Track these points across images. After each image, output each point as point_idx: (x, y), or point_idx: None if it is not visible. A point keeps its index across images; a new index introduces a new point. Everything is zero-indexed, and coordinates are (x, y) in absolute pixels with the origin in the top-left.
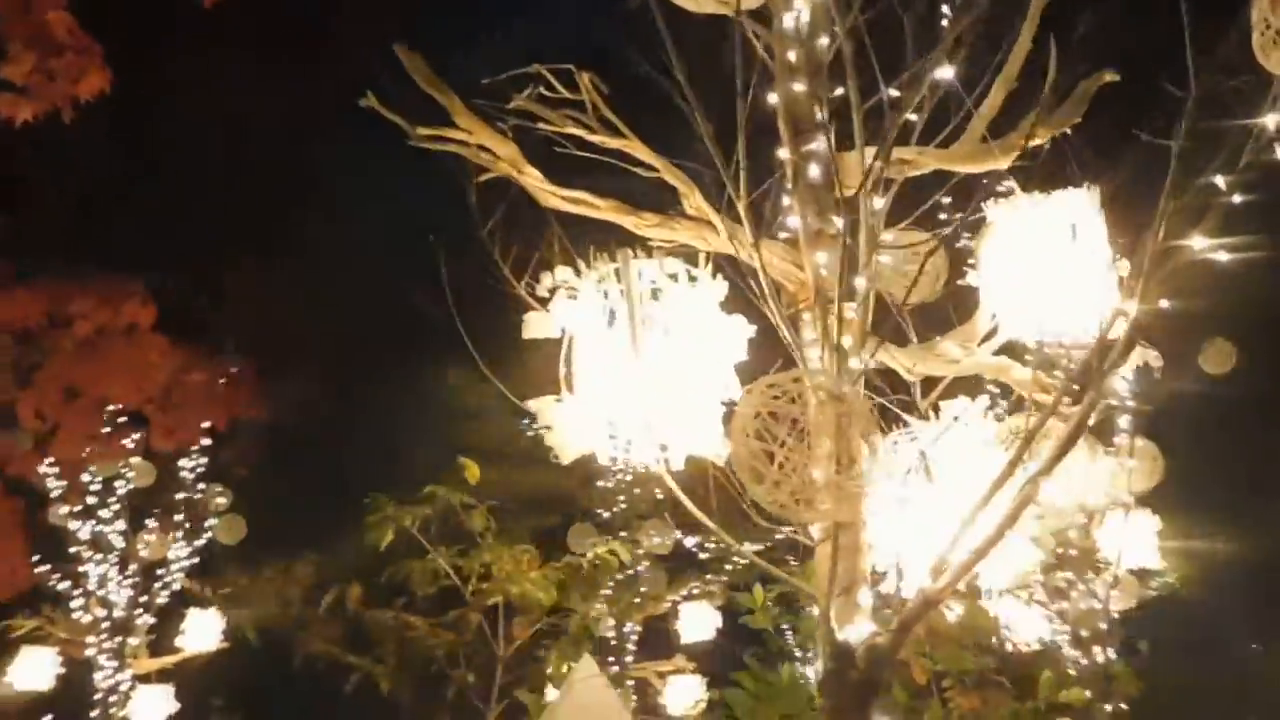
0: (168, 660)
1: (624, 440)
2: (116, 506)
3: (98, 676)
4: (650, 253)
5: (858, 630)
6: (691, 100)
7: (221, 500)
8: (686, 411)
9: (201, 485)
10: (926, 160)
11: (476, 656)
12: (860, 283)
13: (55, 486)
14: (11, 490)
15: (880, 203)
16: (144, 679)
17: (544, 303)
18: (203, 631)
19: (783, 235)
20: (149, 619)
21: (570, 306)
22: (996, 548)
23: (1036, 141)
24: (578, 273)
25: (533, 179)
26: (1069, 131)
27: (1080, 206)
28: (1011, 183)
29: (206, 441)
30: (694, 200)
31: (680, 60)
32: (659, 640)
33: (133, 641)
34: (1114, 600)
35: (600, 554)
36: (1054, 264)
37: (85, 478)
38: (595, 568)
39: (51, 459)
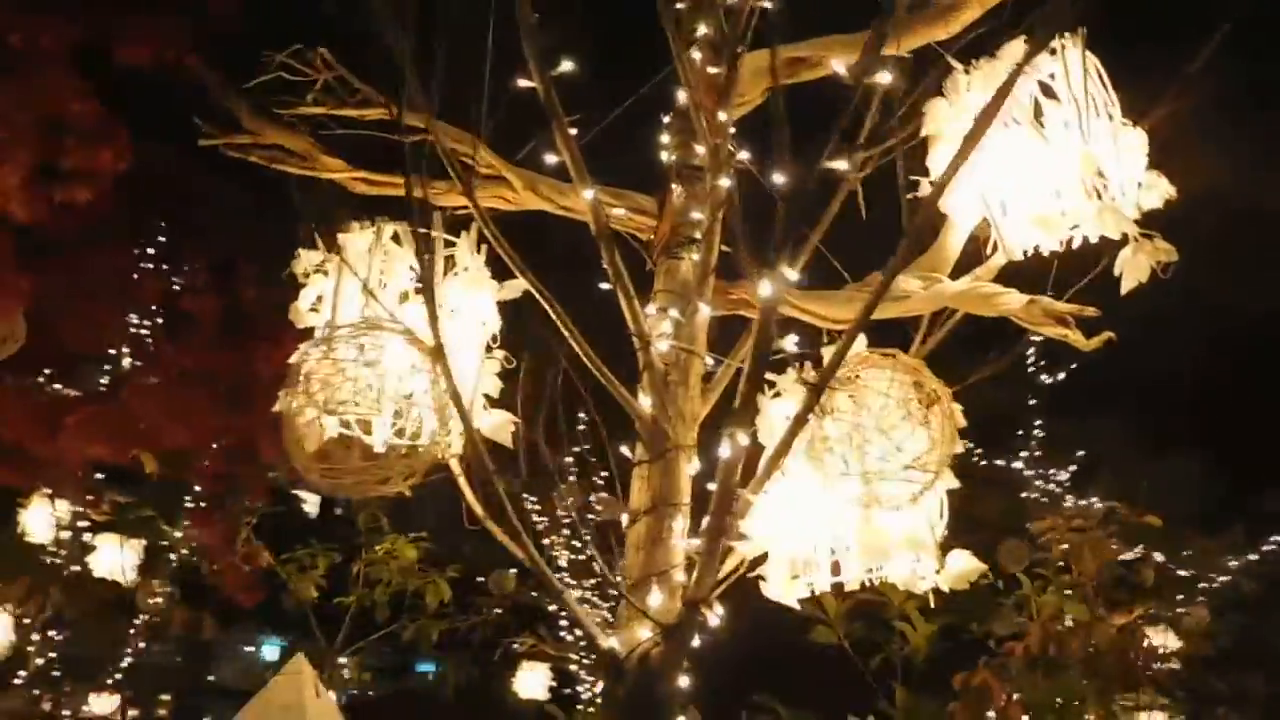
0: None
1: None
2: (588, 536)
3: (581, 689)
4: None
5: (631, 637)
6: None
7: None
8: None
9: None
10: (827, 51)
11: None
12: (696, 215)
13: (539, 520)
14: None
15: (724, 115)
16: None
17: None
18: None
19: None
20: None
21: (321, 289)
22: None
23: None
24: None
25: (333, 168)
26: None
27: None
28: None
29: None
30: (481, 156)
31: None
32: None
33: None
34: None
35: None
36: (1045, 139)
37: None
38: None
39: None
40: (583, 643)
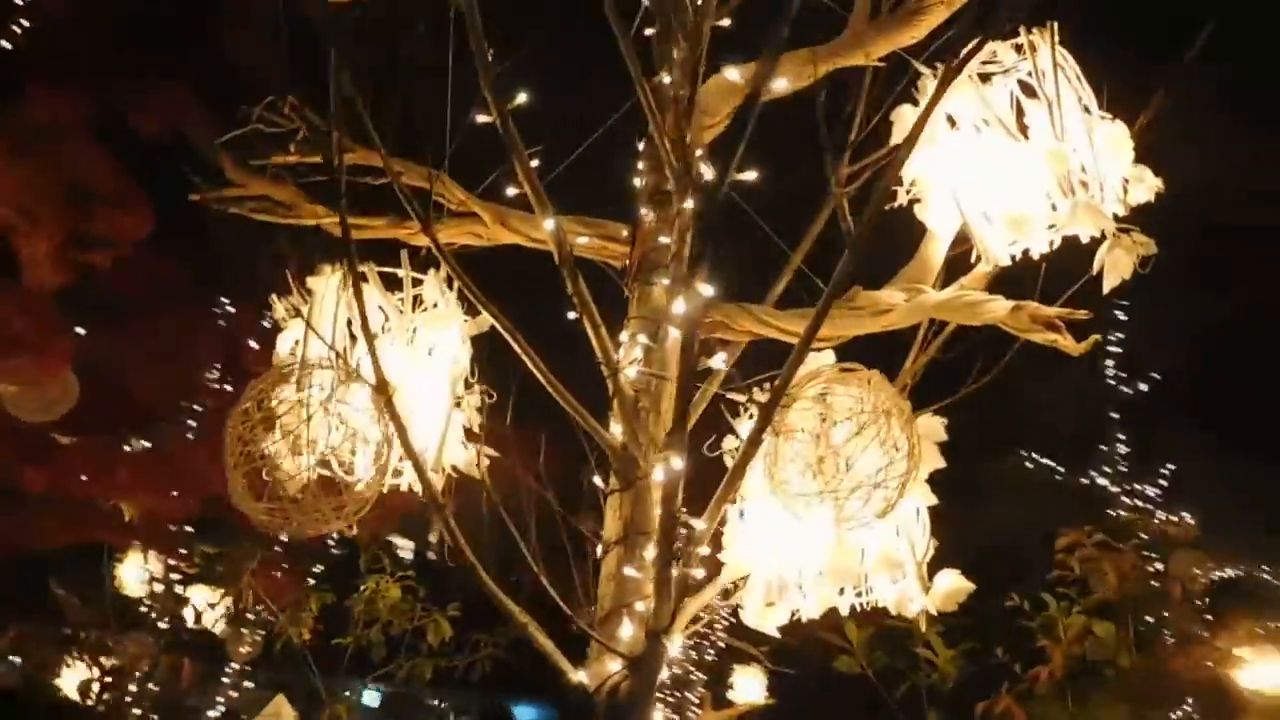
0: (725, 714)
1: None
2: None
3: None
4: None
5: (600, 670)
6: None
7: None
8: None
9: None
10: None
11: None
12: (664, 239)
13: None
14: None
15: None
16: None
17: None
18: (749, 686)
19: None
20: (702, 675)
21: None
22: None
23: None
24: (304, 296)
25: (318, 215)
26: None
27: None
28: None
29: None
30: (452, 194)
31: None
32: None
33: (690, 696)
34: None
35: None
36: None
37: None
38: None
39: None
40: (666, 681)
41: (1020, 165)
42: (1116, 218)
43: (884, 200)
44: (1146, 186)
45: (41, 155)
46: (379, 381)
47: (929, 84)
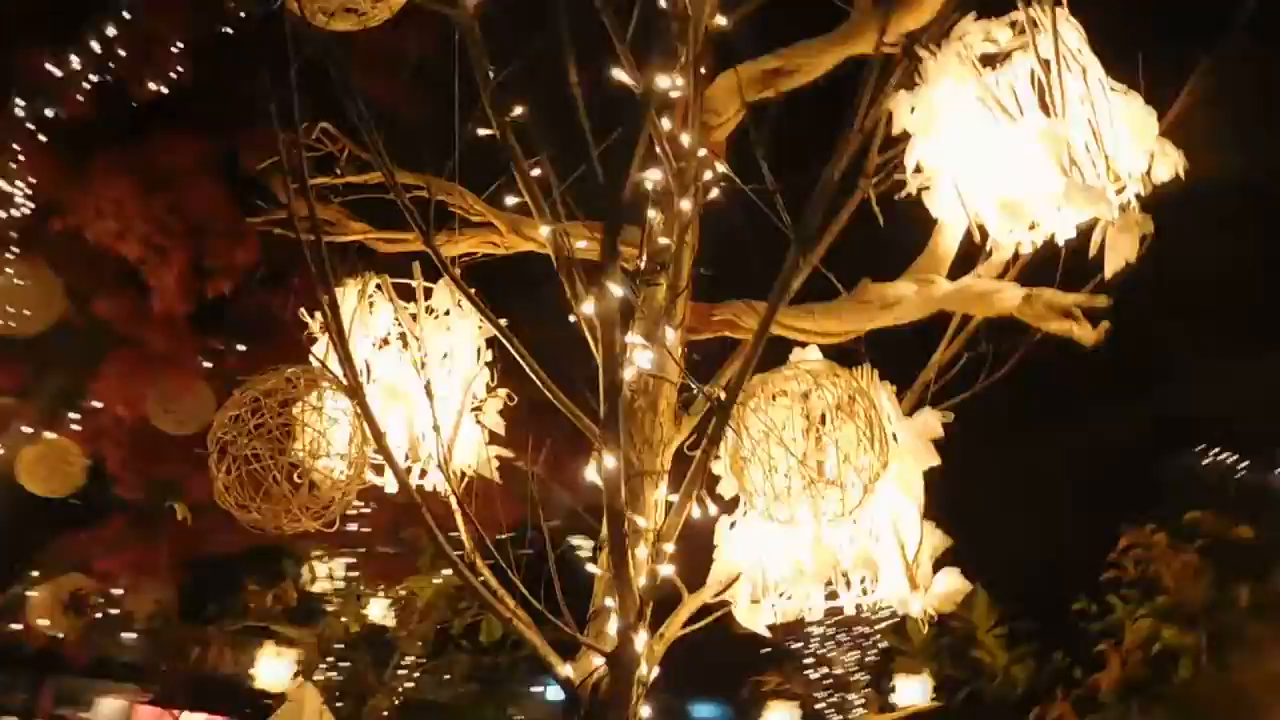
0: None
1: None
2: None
3: None
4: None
5: (585, 665)
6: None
7: None
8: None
9: None
10: (798, 56)
11: None
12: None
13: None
14: None
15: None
16: None
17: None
18: (912, 689)
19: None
20: (864, 676)
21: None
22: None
23: None
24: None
25: (358, 231)
26: None
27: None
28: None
29: None
30: (469, 204)
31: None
32: None
33: (850, 697)
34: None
35: None
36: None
37: None
38: None
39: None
40: (827, 681)
41: (1018, 148)
42: (1139, 198)
43: (831, 188)
44: (1170, 163)
45: (169, 194)
46: (351, 382)
47: (929, 68)
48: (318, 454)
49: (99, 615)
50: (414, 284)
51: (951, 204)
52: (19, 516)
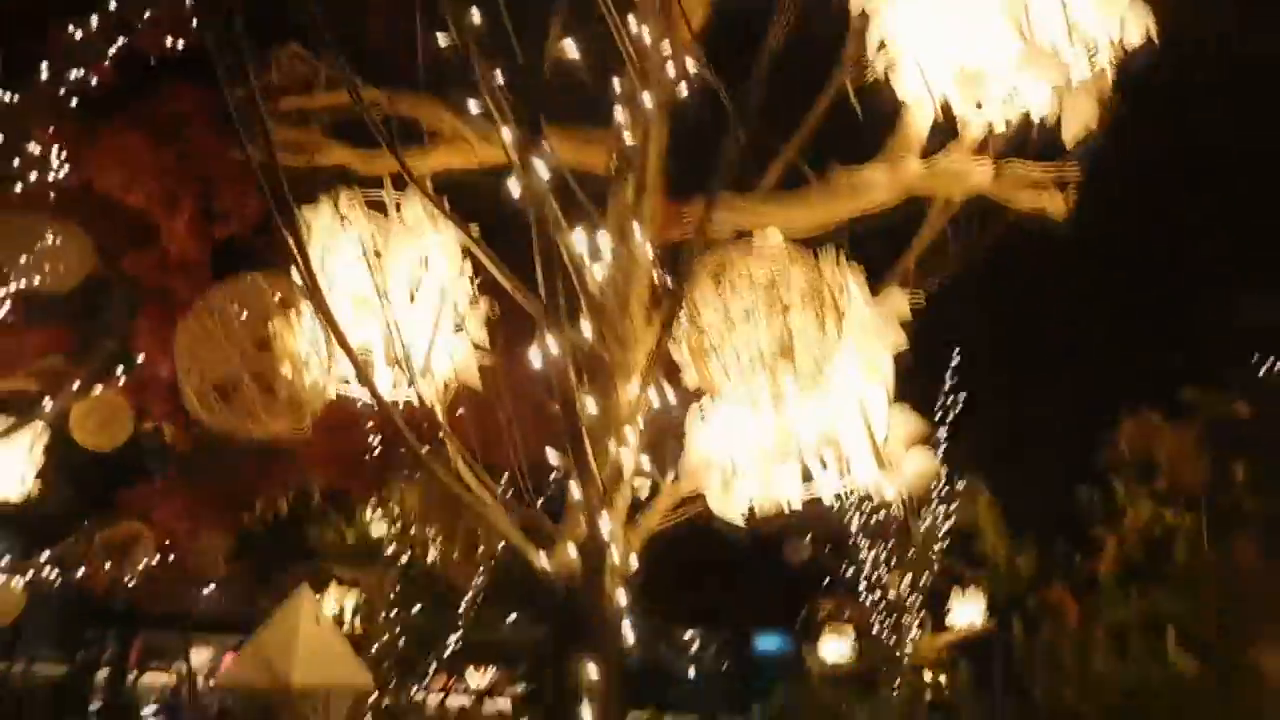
0: (943, 638)
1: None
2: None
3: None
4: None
5: (561, 556)
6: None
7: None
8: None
9: None
10: None
11: None
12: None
13: None
14: None
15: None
16: (925, 658)
17: None
18: (968, 610)
19: None
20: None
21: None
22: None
23: None
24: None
25: (339, 155)
26: None
27: None
28: None
29: None
30: (442, 117)
31: None
32: None
33: (906, 621)
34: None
35: None
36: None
37: None
38: None
39: None
40: (881, 605)
41: (977, 15)
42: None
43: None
44: (1140, 26)
45: (177, 144)
46: (309, 284)
47: None
48: (286, 360)
49: (155, 560)
50: (385, 196)
51: (916, 81)
52: (79, 469)
